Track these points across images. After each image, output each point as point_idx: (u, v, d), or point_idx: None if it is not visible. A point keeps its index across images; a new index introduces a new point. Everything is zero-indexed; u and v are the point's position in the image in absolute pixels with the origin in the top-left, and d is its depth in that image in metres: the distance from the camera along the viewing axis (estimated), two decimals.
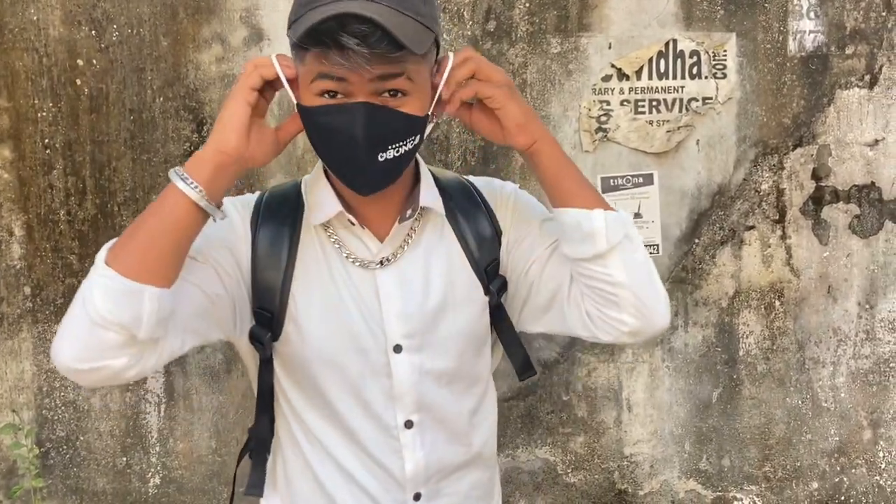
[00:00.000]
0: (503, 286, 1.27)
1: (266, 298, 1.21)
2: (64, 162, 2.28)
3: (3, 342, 2.31)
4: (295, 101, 1.13)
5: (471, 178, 1.33)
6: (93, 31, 2.25)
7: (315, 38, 1.03)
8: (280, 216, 1.23)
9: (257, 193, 1.28)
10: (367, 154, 1.09)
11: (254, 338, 1.23)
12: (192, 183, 1.06)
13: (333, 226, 1.22)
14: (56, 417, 2.35)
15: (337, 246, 1.21)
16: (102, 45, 2.26)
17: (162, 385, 2.36)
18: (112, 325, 1.02)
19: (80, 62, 2.26)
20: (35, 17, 2.23)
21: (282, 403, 1.28)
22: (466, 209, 1.26)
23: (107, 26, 2.25)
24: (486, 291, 1.26)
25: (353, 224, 1.20)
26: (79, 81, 2.26)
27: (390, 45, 1.02)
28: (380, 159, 1.10)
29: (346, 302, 1.20)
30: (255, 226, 1.22)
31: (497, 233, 1.27)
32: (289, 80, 1.12)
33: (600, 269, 1.15)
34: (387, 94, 1.08)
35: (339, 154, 1.11)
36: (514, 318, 1.30)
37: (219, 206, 1.10)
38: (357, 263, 1.21)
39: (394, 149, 1.10)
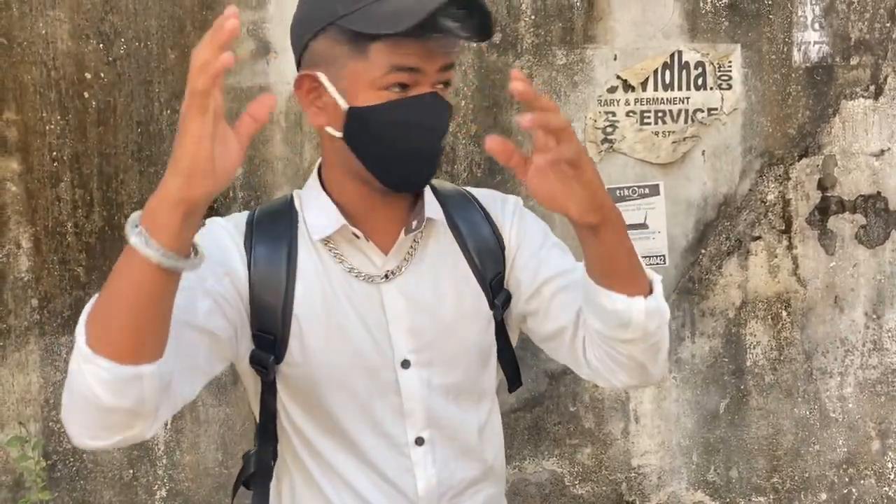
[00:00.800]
0: (507, 300, 1.24)
1: (267, 321, 1.15)
2: (71, 174, 2.28)
3: (10, 354, 2.31)
4: (303, 103, 1.12)
5: (469, 188, 1.30)
6: (100, 45, 2.27)
7: (430, 25, 1.00)
8: (274, 234, 1.17)
9: (246, 213, 1.21)
10: (437, 146, 1.12)
11: (255, 361, 1.18)
12: (155, 247, 0.90)
13: (334, 240, 1.17)
14: (63, 430, 2.34)
15: (338, 260, 1.17)
16: (110, 59, 2.27)
17: None
18: (118, 411, 0.95)
19: (87, 75, 2.27)
20: (43, 31, 2.25)
21: (285, 426, 1.22)
22: (467, 219, 1.23)
23: (114, 40, 2.27)
24: (491, 305, 1.23)
25: (357, 237, 1.16)
26: (86, 94, 2.27)
27: (484, 29, 1.05)
28: (442, 150, 1.14)
29: (352, 319, 1.16)
30: (249, 246, 1.16)
31: (501, 246, 1.24)
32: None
33: (624, 348, 1.12)
34: (441, 86, 1.10)
35: (409, 149, 1.10)
36: (517, 325, 1.28)
37: (193, 247, 0.95)
38: (361, 278, 1.17)
39: (444, 141, 1.14)
